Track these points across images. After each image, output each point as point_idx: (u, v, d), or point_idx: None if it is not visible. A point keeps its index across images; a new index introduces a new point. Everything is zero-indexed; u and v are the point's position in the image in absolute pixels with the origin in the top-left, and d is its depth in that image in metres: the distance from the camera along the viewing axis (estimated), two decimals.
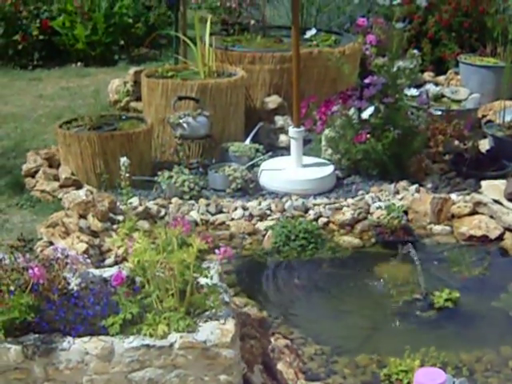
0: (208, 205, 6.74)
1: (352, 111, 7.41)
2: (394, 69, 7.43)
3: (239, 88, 7.95)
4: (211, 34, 8.42)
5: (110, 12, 11.73)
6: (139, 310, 4.05)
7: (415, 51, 8.32)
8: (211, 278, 4.37)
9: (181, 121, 7.34)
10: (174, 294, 4.11)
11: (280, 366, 4.56)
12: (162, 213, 6.61)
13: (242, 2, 10.44)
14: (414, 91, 7.46)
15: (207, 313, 4.17)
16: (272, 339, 4.83)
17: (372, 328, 5.30)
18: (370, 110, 7.18)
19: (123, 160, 5.85)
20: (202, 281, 4.31)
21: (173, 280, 4.09)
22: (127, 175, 5.83)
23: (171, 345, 3.96)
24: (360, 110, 7.29)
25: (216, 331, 4.05)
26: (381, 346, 5.01)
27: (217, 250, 4.35)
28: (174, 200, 6.78)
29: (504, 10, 11.73)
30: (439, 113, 8.03)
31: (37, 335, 3.95)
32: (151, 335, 3.98)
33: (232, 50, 8.77)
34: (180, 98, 7.52)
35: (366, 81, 7.39)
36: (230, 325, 4.10)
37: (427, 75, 10.61)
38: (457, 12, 11.28)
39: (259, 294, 5.64)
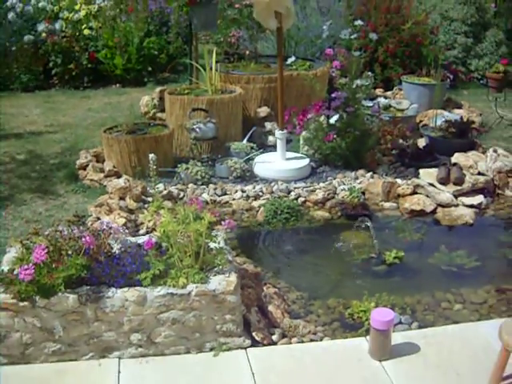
0: (215, 189, 6.70)
1: (322, 118, 7.40)
2: (354, 86, 7.40)
3: (238, 102, 7.93)
4: (216, 62, 8.39)
5: (141, 46, 11.80)
6: (165, 267, 4.10)
7: (369, 73, 8.26)
8: (218, 243, 4.39)
9: (194, 126, 7.33)
10: (191, 255, 4.13)
11: (270, 308, 4.56)
12: (182, 195, 6.58)
13: (239, 38, 10.41)
14: (368, 103, 7.47)
15: (216, 269, 4.22)
16: (264, 288, 4.82)
17: (339, 279, 5.30)
18: (336, 117, 7.19)
19: (151, 156, 5.88)
20: (212, 245, 4.32)
21: (190, 244, 4.11)
22: (154, 167, 5.85)
23: (189, 293, 4.02)
24: (328, 117, 7.30)
25: (222, 282, 4.08)
26: (346, 292, 5.02)
27: (223, 222, 4.36)
28: (190, 185, 6.76)
29: (435, 42, 11.72)
30: (387, 118, 8.03)
31: (88, 287, 3.98)
32: (174, 286, 4.02)
33: (232, 74, 8.74)
34: (194, 110, 7.50)
35: (333, 95, 7.38)
36: (233, 277, 4.13)
37: (378, 91, 10.55)
38: (400, 43, 11.25)
39: (255, 255, 5.63)
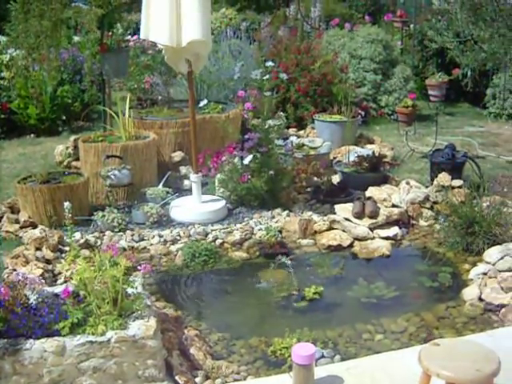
0: (133, 235, 6.70)
1: (236, 159, 7.47)
2: (266, 126, 7.53)
3: (152, 147, 7.96)
4: (130, 108, 8.42)
5: (54, 95, 11.71)
6: (83, 316, 4.08)
7: (281, 113, 8.42)
8: (136, 288, 4.40)
9: (109, 173, 7.32)
10: (109, 301, 4.12)
11: (192, 351, 4.58)
12: (99, 243, 6.56)
13: (153, 84, 10.47)
14: (281, 142, 7.57)
15: (134, 314, 4.22)
16: (185, 331, 4.84)
17: (260, 317, 5.39)
18: (249, 157, 7.24)
19: (66, 204, 5.83)
20: (130, 290, 4.33)
21: (107, 291, 4.10)
22: (70, 216, 5.81)
23: (109, 340, 4.01)
24: (242, 158, 7.35)
25: (142, 327, 4.09)
26: (267, 330, 5.08)
27: (139, 267, 4.39)
28: (107, 233, 6.73)
29: (346, 80, 11.96)
30: (301, 157, 8.17)
31: (5, 340, 3.92)
32: (93, 333, 4.00)
33: (146, 119, 8.79)
34: (108, 157, 7.50)
35: (246, 136, 7.47)
36: (152, 322, 4.15)
37: (291, 130, 10.70)
38: (311, 83, 11.44)
39: (175, 299, 5.62)
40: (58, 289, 4.56)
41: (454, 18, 8.27)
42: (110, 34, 9.20)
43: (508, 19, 7.73)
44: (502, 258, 5.83)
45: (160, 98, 9.92)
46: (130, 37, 13.94)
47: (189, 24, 6.47)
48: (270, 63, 8.52)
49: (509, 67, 8.40)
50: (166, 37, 6.52)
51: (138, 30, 6.88)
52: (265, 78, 7.91)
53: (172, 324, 4.87)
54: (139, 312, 4.21)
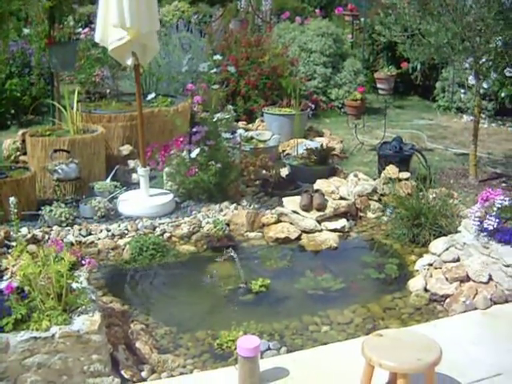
0: (80, 229, 6.66)
1: (184, 153, 7.47)
2: (214, 120, 7.54)
3: (100, 141, 7.93)
4: (78, 102, 8.36)
5: (3, 88, 11.58)
6: (27, 311, 4.05)
7: (230, 106, 8.42)
8: (81, 283, 4.38)
9: (56, 168, 7.27)
10: (53, 297, 4.11)
11: (138, 345, 4.60)
12: (46, 238, 6.51)
13: (103, 77, 10.41)
14: (228, 135, 7.58)
15: (79, 309, 4.21)
16: (131, 325, 4.85)
17: (207, 310, 5.39)
18: (197, 151, 7.25)
19: (11, 199, 5.78)
20: (75, 285, 4.31)
21: (51, 286, 4.09)
22: (16, 211, 5.76)
23: (53, 335, 4.00)
24: (190, 152, 7.36)
25: (86, 322, 4.09)
26: (214, 323, 5.09)
27: (83, 261, 4.38)
28: (54, 228, 6.68)
29: (296, 73, 12.02)
30: (248, 149, 8.20)
31: None
32: (37, 329, 3.98)
33: (94, 113, 8.75)
34: (55, 151, 7.46)
35: (194, 130, 7.49)
36: (97, 316, 4.15)
37: (241, 123, 10.73)
38: (261, 76, 11.49)
39: (122, 293, 5.62)
40: (1, 285, 4.53)
41: (402, 13, 8.34)
42: (61, 26, 9.13)
43: (453, 13, 7.82)
44: (447, 249, 5.92)
45: (109, 91, 9.86)
46: (81, 29, 13.85)
47: (133, 14, 6.42)
48: (217, 56, 8.52)
49: (455, 60, 8.48)
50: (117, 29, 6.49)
51: (90, 22, 6.84)
52: (213, 71, 7.93)
53: (118, 318, 4.88)
54: (84, 307, 4.20)
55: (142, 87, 10.21)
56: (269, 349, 4.70)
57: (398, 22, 8.44)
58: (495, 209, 5.61)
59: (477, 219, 5.65)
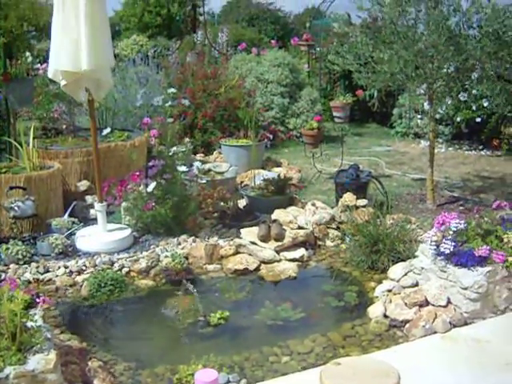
0: (38, 267, 6.60)
1: (141, 187, 7.46)
2: (170, 153, 7.55)
3: (57, 177, 7.90)
4: (34, 138, 8.34)
5: None
6: None
7: (187, 139, 8.44)
8: (36, 322, 4.34)
9: (12, 205, 7.23)
10: (7, 336, 4.06)
11: (96, 382, 4.55)
12: (3, 276, 6.42)
13: (61, 113, 10.40)
14: (185, 168, 7.59)
15: (34, 348, 4.15)
16: (89, 362, 4.80)
17: (166, 345, 5.36)
18: (153, 185, 7.25)
19: None
20: (29, 324, 4.28)
21: (5, 326, 4.05)
22: None
23: (7, 376, 3.94)
24: (147, 186, 7.36)
25: (41, 361, 4.05)
26: (174, 357, 5.04)
27: (37, 300, 4.35)
28: (11, 266, 6.62)
29: (253, 104, 12.10)
30: (204, 181, 8.20)
31: None
32: None
33: (50, 149, 8.71)
34: (11, 188, 7.42)
35: (150, 163, 7.50)
36: (52, 355, 4.11)
37: (199, 155, 10.77)
38: (218, 108, 11.56)
39: (80, 330, 5.52)
40: None
41: (354, 41, 8.45)
42: (19, 62, 9.12)
43: (405, 40, 7.93)
44: (405, 275, 5.98)
45: (65, 126, 9.85)
46: (39, 65, 13.84)
47: (86, 51, 6.42)
48: (172, 90, 8.56)
49: (409, 87, 8.60)
50: (65, 63, 6.47)
51: (48, 58, 6.80)
52: (167, 104, 7.96)
53: (76, 356, 4.83)
54: (39, 346, 4.15)
55: (99, 122, 10.25)
56: (229, 382, 4.67)
57: (351, 50, 8.53)
58: (451, 232, 5.68)
59: (433, 243, 5.70)
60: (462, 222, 5.73)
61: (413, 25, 8.07)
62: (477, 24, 7.88)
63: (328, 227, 7.45)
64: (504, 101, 8.26)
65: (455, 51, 7.81)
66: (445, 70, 8.20)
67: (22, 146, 8.12)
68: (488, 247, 5.50)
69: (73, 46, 6.41)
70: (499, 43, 7.71)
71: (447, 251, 5.55)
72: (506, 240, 5.71)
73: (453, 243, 5.56)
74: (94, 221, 7.64)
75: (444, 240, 5.63)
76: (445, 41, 7.68)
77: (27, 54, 10.46)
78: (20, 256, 6.73)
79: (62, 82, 6.72)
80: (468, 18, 7.78)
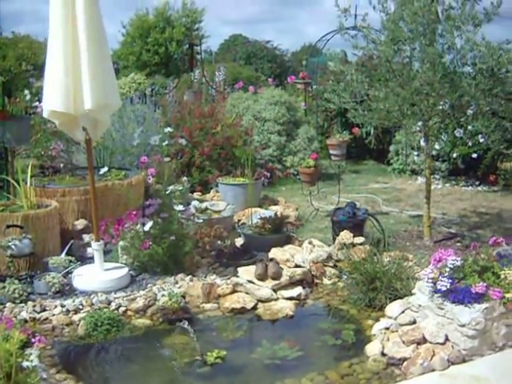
0: (34, 306, 6.58)
1: (138, 226, 7.48)
2: (167, 192, 7.57)
3: (54, 215, 7.92)
4: (32, 176, 8.39)
5: None
6: None
7: (184, 178, 8.46)
8: (31, 361, 4.34)
9: (10, 243, 7.25)
10: (2, 376, 4.07)
11: None
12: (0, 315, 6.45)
13: (60, 151, 10.44)
14: (182, 207, 7.60)
15: None
16: None
17: None
18: (150, 224, 7.27)
19: None
20: (25, 364, 4.28)
21: (0, 366, 4.05)
22: None
23: None
24: (143, 225, 7.38)
25: None
26: None
27: (33, 340, 4.35)
28: (8, 304, 6.61)
29: (250, 142, 12.16)
30: (201, 221, 8.21)
31: None
32: None
33: (48, 187, 8.73)
34: (8, 226, 7.43)
35: (147, 203, 7.53)
36: None
37: (196, 194, 10.82)
38: (215, 146, 11.63)
39: (77, 370, 5.49)
40: None
41: (350, 79, 8.52)
42: (17, 100, 9.18)
43: (400, 78, 8.01)
44: (403, 312, 5.97)
45: (63, 165, 9.88)
46: (38, 103, 13.93)
47: (85, 91, 6.44)
48: (168, 129, 8.63)
49: (405, 124, 8.66)
50: (62, 104, 6.51)
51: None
52: (164, 143, 8.00)
53: None
54: None
55: (96, 161, 10.29)
56: None
57: (347, 88, 8.60)
58: (447, 269, 5.68)
59: (430, 280, 5.71)
60: (459, 258, 5.74)
61: (408, 63, 8.14)
62: (471, 61, 7.94)
63: (325, 265, 7.46)
64: (499, 137, 8.31)
65: (450, 88, 7.87)
66: (440, 107, 8.26)
67: (19, 184, 8.15)
68: (485, 284, 5.50)
69: (67, 86, 6.45)
70: (493, 80, 7.78)
71: (444, 288, 5.56)
72: (502, 276, 5.71)
73: (450, 280, 5.57)
74: (91, 259, 7.63)
75: (441, 277, 5.64)
76: (440, 78, 7.74)
77: (25, 92, 10.56)
78: (16, 295, 6.73)
79: (57, 122, 6.77)
80: (462, 55, 7.84)
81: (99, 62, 6.53)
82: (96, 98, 6.48)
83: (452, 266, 5.69)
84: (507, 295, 5.52)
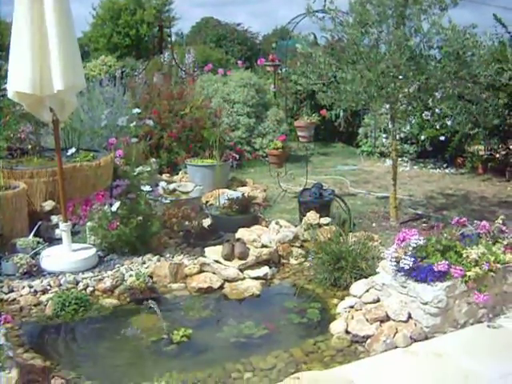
0: (2, 287, 6.60)
1: (106, 207, 7.50)
2: (135, 173, 7.59)
3: (22, 197, 7.90)
4: (0, 158, 8.36)
5: None
6: None
7: (153, 159, 8.48)
8: None
9: None
10: None
11: None
12: None
13: (28, 134, 10.40)
14: (148, 188, 7.61)
15: None
16: (52, 381, 4.82)
17: (130, 363, 5.37)
18: (117, 204, 7.30)
19: None
20: None
21: None
22: None
23: None
24: (111, 205, 7.40)
25: (2, 379, 4.07)
26: (136, 375, 5.06)
27: None
28: None
29: (219, 124, 12.18)
30: (168, 201, 8.25)
31: None
32: None
33: (16, 169, 8.71)
34: None
35: (115, 183, 7.54)
36: (14, 373, 4.15)
37: (165, 175, 10.85)
38: (183, 128, 11.64)
39: (44, 349, 5.53)
40: None
41: (317, 61, 8.56)
42: None
43: (367, 60, 8.06)
44: (367, 291, 6.07)
45: (31, 147, 9.85)
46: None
47: (55, 72, 6.41)
48: (136, 110, 8.64)
49: (372, 107, 8.73)
50: (28, 85, 6.49)
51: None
52: (132, 124, 8.01)
53: (38, 374, 4.85)
54: (0, 364, 4.18)
55: (65, 142, 10.26)
56: None
57: (315, 70, 8.65)
58: (411, 248, 5.77)
59: (393, 260, 5.79)
60: (422, 238, 5.83)
61: (375, 45, 8.20)
62: (437, 45, 8.02)
63: (292, 245, 7.53)
64: (464, 119, 8.42)
65: (416, 71, 7.95)
66: (406, 90, 8.33)
67: None
68: (447, 262, 5.59)
69: (33, 67, 6.43)
70: (459, 63, 7.87)
71: (407, 267, 5.64)
72: (464, 255, 5.80)
73: (412, 259, 5.65)
74: (59, 240, 7.63)
75: (404, 256, 5.72)
76: (406, 60, 7.81)
77: None
78: None
79: (24, 103, 6.76)
80: (429, 38, 7.92)
81: (68, 43, 6.51)
82: (66, 78, 6.46)
83: (415, 245, 5.78)
84: (469, 273, 5.62)
